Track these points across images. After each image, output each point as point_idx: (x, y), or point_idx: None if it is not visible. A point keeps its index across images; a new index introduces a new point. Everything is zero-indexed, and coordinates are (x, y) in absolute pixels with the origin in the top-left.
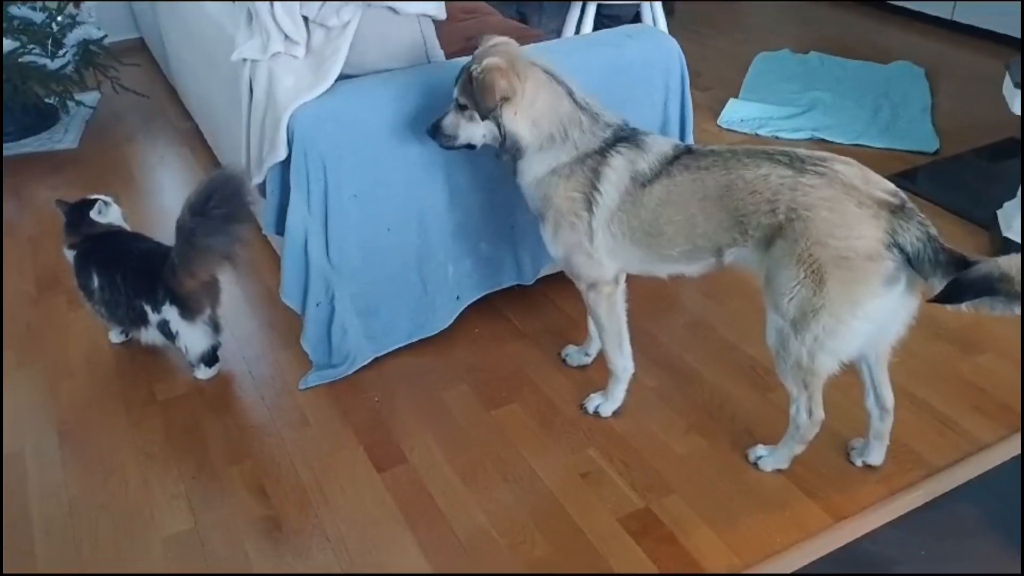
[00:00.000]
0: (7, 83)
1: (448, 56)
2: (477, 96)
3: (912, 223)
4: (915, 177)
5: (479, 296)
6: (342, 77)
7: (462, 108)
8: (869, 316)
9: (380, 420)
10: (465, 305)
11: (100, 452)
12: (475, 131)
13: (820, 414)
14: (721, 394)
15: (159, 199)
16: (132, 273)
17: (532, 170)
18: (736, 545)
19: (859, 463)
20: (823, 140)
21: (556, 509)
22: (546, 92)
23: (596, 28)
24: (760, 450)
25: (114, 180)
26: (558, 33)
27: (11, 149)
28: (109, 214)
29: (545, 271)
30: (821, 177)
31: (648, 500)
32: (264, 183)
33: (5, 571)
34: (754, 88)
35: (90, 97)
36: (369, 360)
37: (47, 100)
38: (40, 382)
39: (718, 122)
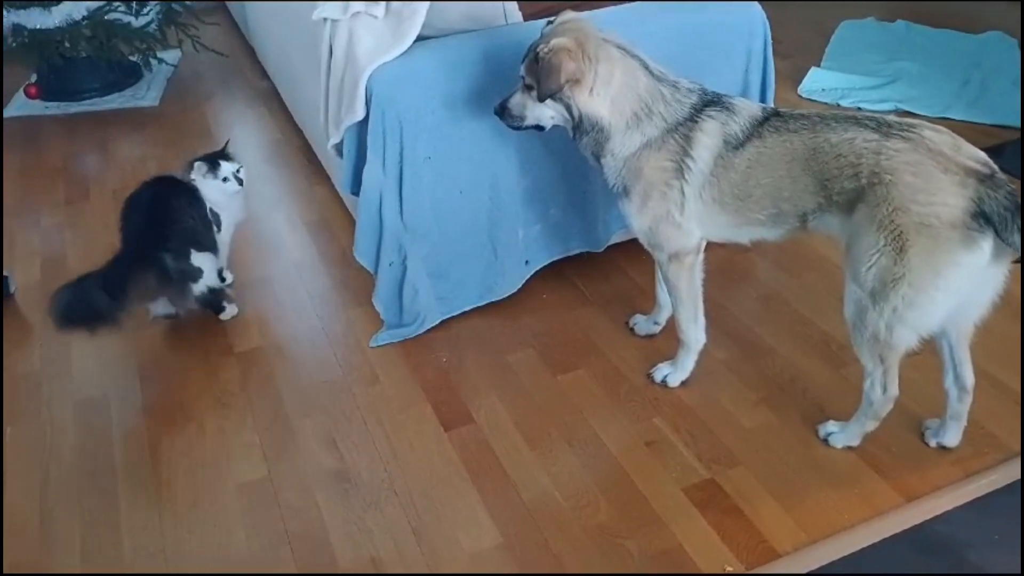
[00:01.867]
0: (93, 39)
1: (526, 18)
2: (542, 76)
3: (1000, 192)
4: (1003, 152)
5: (548, 261)
6: (420, 38)
7: (529, 88)
8: (951, 288)
9: (448, 380)
10: (534, 270)
11: (179, 400)
12: (543, 112)
13: (895, 390)
14: (793, 368)
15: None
16: None
17: (622, 149)
18: (802, 520)
19: (933, 444)
20: (908, 112)
21: (620, 476)
22: (621, 69)
23: None
24: (831, 426)
25: (193, 137)
26: None
27: (96, 105)
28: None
29: (615, 239)
30: (907, 142)
31: (714, 472)
32: (341, 143)
33: (5, 571)
34: (837, 57)
35: (171, 55)
36: (438, 321)
37: (131, 58)
38: (123, 330)
39: (799, 91)
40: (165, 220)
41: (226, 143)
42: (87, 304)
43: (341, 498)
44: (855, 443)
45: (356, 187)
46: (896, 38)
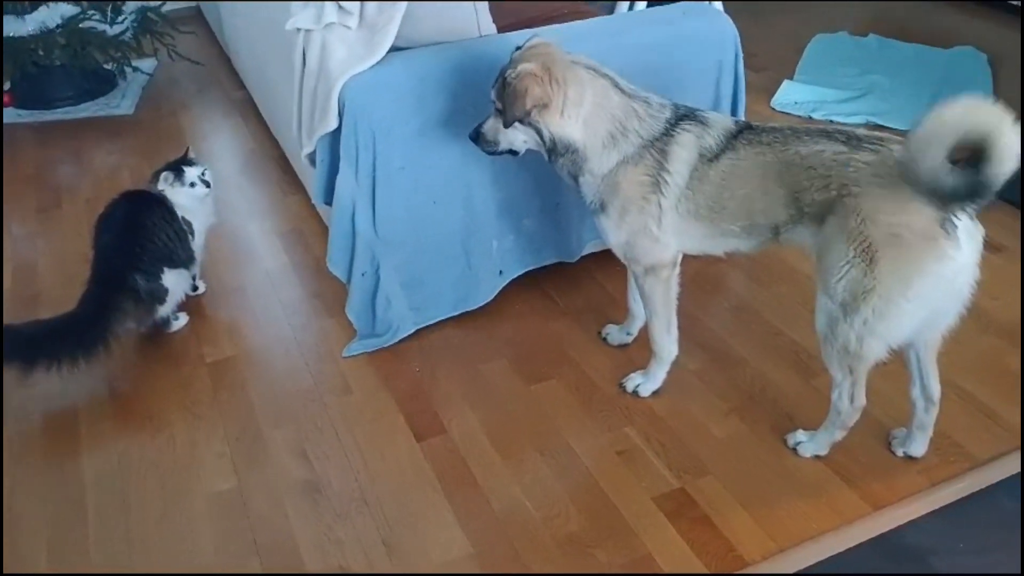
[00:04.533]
0: (68, 47)
1: (500, 30)
2: (507, 102)
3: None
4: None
5: (522, 272)
6: (394, 49)
7: (501, 113)
8: (921, 298)
9: (421, 390)
10: (508, 280)
11: (149, 409)
12: (516, 137)
13: (862, 400)
14: (763, 378)
15: (211, 167)
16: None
17: (600, 168)
18: (771, 529)
19: (900, 453)
20: (879, 125)
21: (591, 485)
22: (592, 91)
23: (650, 5)
24: (800, 435)
25: (168, 146)
26: (611, 10)
27: (70, 113)
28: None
29: (588, 249)
30: (876, 154)
31: (684, 481)
32: (314, 153)
33: (5, 571)
34: (810, 70)
35: (147, 64)
36: (411, 331)
37: (105, 66)
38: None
39: (771, 104)
40: (137, 239)
41: (187, 149)
42: (68, 349)
43: (311, 508)
44: (823, 452)
45: (329, 197)
46: (868, 52)
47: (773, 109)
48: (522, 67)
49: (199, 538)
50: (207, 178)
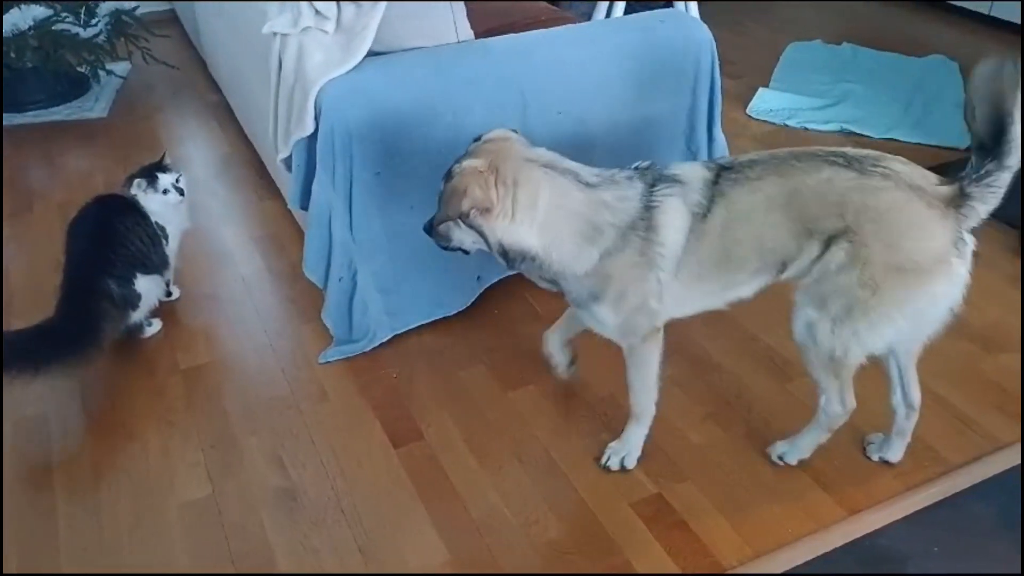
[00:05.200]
0: (40, 50)
1: (477, 35)
2: (443, 199)
3: (967, 206)
4: (945, 173)
5: (500, 277)
6: (371, 54)
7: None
8: (918, 313)
9: (398, 397)
10: (486, 286)
11: (122, 417)
12: (464, 237)
13: (852, 402)
14: (739, 384)
15: (185, 171)
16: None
17: (579, 268)
18: (748, 534)
19: (876, 458)
20: (853, 133)
21: (569, 492)
22: (548, 191)
23: (627, 12)
24: (780, 447)
25: (142, 150)
26: (589, 16)
27: (42, 116)
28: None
29: None
30: (887, 179)
31: (661, 486)
32: (290, 157)
33: (5, 571)
34: (785, 78)
35: (121, 67)
36: (389, 337)
37: (79, 69)
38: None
39: (747, 111)
40: (110, 244)
41: (163, 155)
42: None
43: (287, 516)
44: (807, 455)
45: (305, 202)
46: (842, 60)
47: (749, 116)
48: (467, 163)
49: (173, 547)
50: (181, 185)
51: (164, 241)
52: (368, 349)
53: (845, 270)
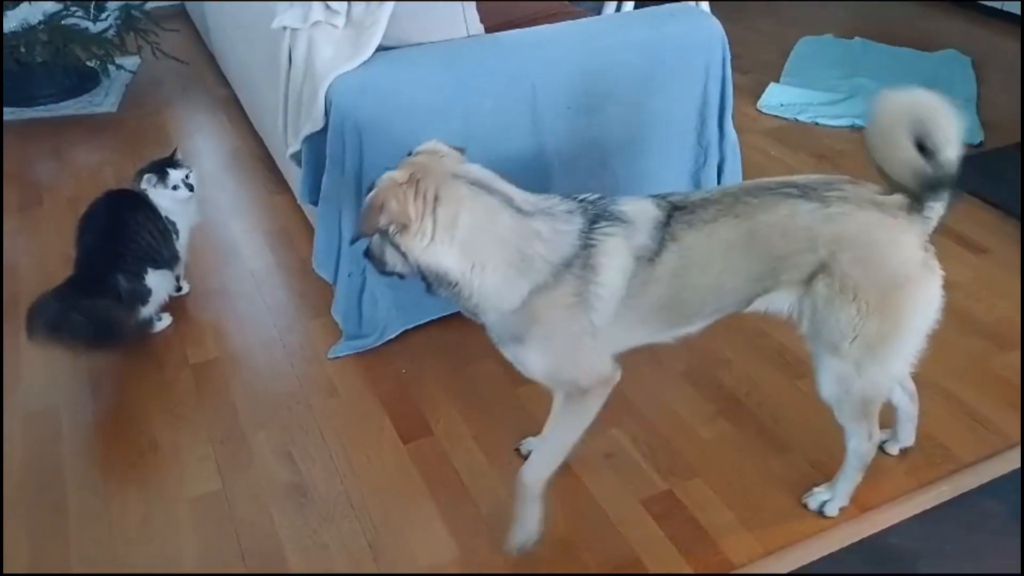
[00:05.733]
0: (50, 44)
1: (488, 30)
2: (360, 212)
3: (924, 207)
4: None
5: None
6: (380, 49)
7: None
8: (923, 321)
9: (407, 392)
10: None
11: (132, 411)
12: (395, 258)
13: (879, 433)
14: (749, 380)
15: (195, 166)
16: None
17: (503, 303)
18: (758, 531)
19: (896, 451)
20: (864, 128)
21: (579, 488)
22: (471, 212)
23: (637, 7)
24: (821, 495)
25: (151, 145)
26: (598, 10)
27: (52, 111)
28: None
29: None
30: (847, 203)
31: (671, 483)
32: (300, 152)
33: (5, 571)
34: (796, 72)
35: (130, 61)
36: (398, 332)
37: (88, 63)
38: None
39: (758, 106)
40: (120, 239)
41: (174, 150)
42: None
43: (296, 512)
44: (847, 502)
45: (315, 197)
46: (854, 55)
47: (759, 111)
48: (388, 175)
49: (183, 541)
50: (191, 181)
51: (174, 236)
52: (378, 344)
53: (837, 305)
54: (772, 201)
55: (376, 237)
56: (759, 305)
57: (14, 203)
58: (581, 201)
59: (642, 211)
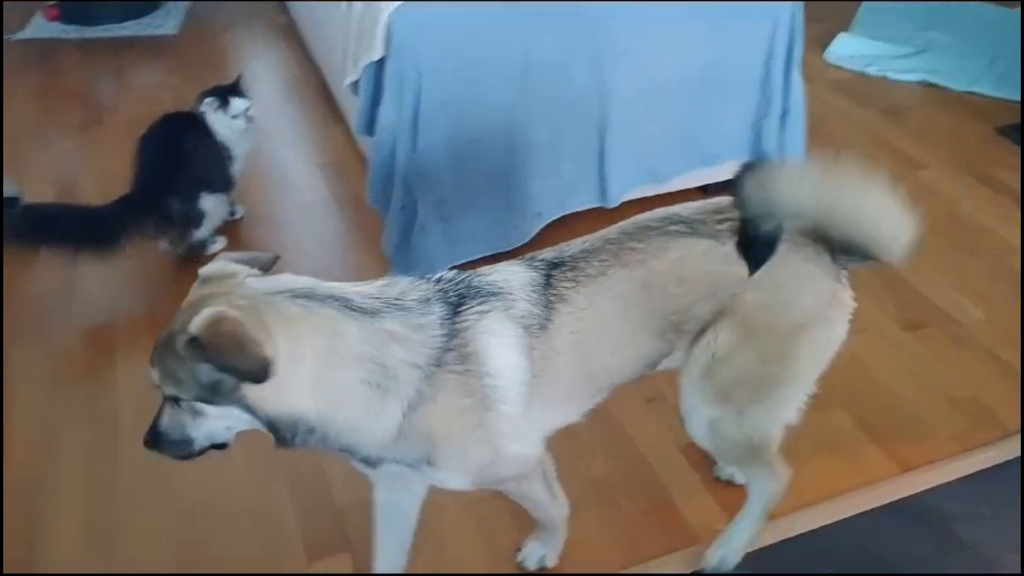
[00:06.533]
0: None
1: None
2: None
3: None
4: None
5: (560, 215)
6: None
7: (175, 400)
8: (827, 358)
9: None
10: (545, 223)
11: None
12: (215, 425)
13: (785, 471)
14: None
15: (252, 92)
16: None
17: (376, 436)
18: (796, 483)
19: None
20: (934, 84)
21: (619, 432)
22: (311, 334)
23: None
24: (717, 554)
25: (209, 69)
26: None
27: (114, 31)
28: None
29: (628, 196)
30: None
31: None
32: (357, 82)
33: (5, 571)
34: (866, 23)
35: None
36: (446, 269)
37: None
38: (131, 256)
39: (824, 56)
40: (178, 162)
41: (238, 77)
42: (34, 230)
43: None
44: (743, 555)
45: (370, 127)
46: (927, 7)
47: (826, 62)
48: (213, 312)
49: (231, 458)
50: (251, 114)
51: (229, 161)
52: None
53: (739, 352)
54: (660, 243)
55: (166, 415)
56: (666, 363)
57: (75, 121)
58: (438, 281)
59: (514, 277)
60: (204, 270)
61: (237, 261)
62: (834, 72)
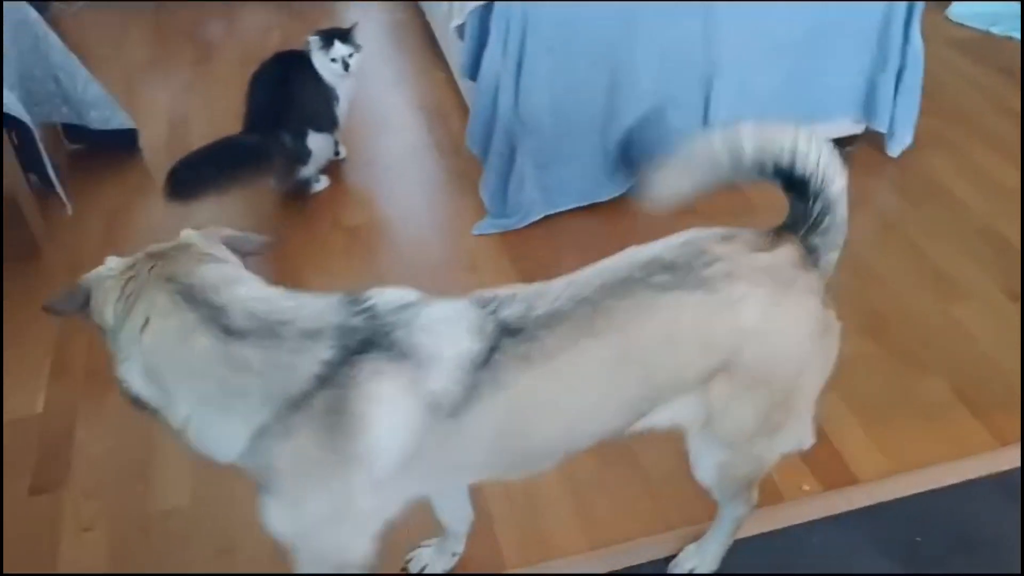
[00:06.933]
0: None
1: None
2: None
3: (819, 259)
4: None
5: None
6: None
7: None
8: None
9: (545, 276)
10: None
11: (284, 264)
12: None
13: (755, 497)
14: (899, 300)
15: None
16: None
17: (220, 452)
18: (890, 450)
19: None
20: None
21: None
22: (156, 330)
23: None
24: (687, 561)
25: (318, 12)
26: None
27: None
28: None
29: None
30: (735, 279)
31: None
32: (463, 26)
33: (5, 571)
34: None
35: None
36: (540, 216)
37: None
38: (238, 196)
39: (947, 14)
40: (287, 100)
41: (353, 25)
42: (197, 180)
43: None
44: (716, 567)
45: (474, 72)
46: None
47: (948, 19)
48: (107, 260)
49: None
50: (351, 61)
51: (336, 102)
52: (520, 226)
53: (739, 404)
54: (644, 302)
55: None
56: (644, 423)
57: (187, 58)
58: (361, 311)
59: (448, 342)
60: (184, 236)
61: (230, 238)
62: (956, 30)
